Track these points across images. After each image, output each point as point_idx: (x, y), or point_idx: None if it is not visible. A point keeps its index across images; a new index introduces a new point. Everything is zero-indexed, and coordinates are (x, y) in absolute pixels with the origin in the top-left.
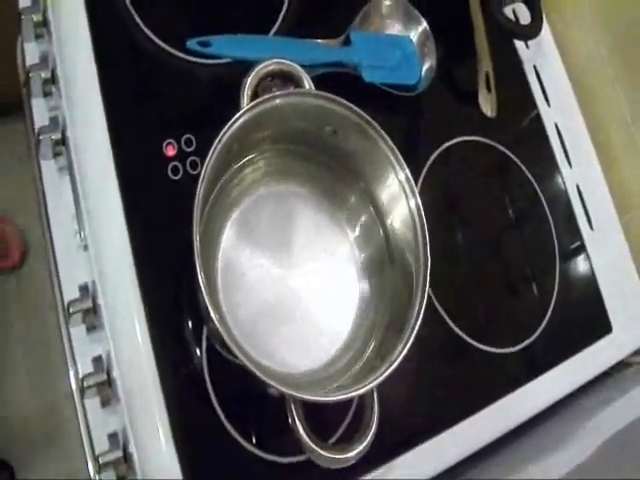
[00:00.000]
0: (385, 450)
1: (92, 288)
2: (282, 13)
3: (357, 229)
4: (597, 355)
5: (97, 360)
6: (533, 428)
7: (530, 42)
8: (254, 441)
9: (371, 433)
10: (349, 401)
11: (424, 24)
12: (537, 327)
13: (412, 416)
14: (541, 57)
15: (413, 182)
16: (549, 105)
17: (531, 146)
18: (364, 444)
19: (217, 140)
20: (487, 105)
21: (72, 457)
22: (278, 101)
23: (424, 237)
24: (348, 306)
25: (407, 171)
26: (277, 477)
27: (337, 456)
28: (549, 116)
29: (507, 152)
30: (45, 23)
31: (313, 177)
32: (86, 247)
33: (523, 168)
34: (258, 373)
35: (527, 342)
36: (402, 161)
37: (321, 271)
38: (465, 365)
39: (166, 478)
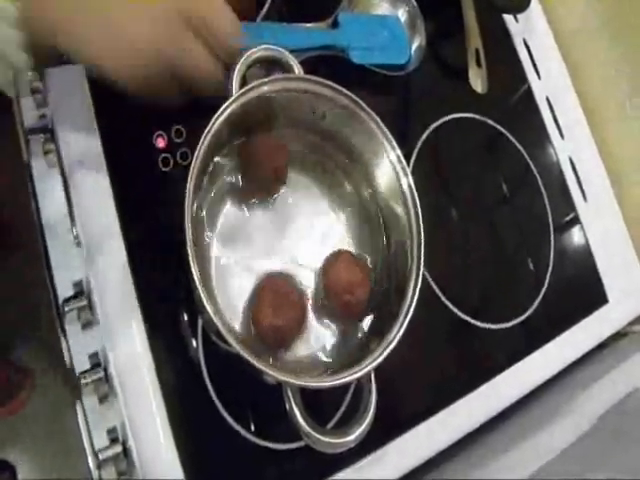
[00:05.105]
0: (384, 432)
1: (86, 285)
2: None
3: (351, 211)
4: (594, 326)
5: (93, 356)
6: (530, 402)
7: (519, 16)
8: (252, 429)
9: (369, 416)
10: (346, 385)
11: (412, 2)
12: (533, 301)
13: (410, 397)
14: (530, 30)
15: (405, 162)
16: (540, 78)
17: (523, 120)
18: (362, 427)
19: (206, 130)
20: (477, 81)
21: (73, 455)
22: (267, 87)
23: (417, 217)
24: None
25: (399, 151)
26: (277, 464)
27: (335, 440)
28: (540, 89)
29: (499, 127)
30: None
31: (305, 162)
32: (79, 244)
33: (515, 143)
34: (253, 361)
35: (524, 317)
36: (393, 141)
37: (315, 255)
38: (462, 343)
39: (165, 469)
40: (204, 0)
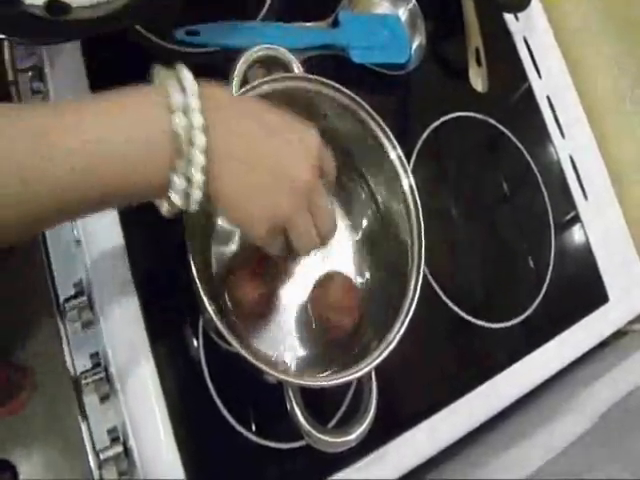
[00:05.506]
0: (385, 431)
1: (86, 284)
2: None
3: (352, 211)
4: (594, 325)
5: (94, 356)
6: (531, 401)
7: (520, 14)
8: (254, 428)
9: (370, 415)
10: (347, 384)
11: (412, 1)
12: (534, 300)
13: (411, 396)
14: (531, 29)
15: (406, 161)
16: (540, 77)
17: (523, 119)
18: (363, 427)
19: None
20: (478, 80)
21: (73, 455)
22: (267, 87)
23: (418, 216)
24: None
25: (399, 150)
26: (278, 463)
27: (336, 440)
28: (540, 88)
29: (499, 126)
30: None
31: None
32: (79, 243)
33: (516, 141)
34: (254, 361)
35: (524, 316)
36: (394, 141)
37: (317, 254)
38: (463, 342)
39: (166, 469)
40: (322, 191)
